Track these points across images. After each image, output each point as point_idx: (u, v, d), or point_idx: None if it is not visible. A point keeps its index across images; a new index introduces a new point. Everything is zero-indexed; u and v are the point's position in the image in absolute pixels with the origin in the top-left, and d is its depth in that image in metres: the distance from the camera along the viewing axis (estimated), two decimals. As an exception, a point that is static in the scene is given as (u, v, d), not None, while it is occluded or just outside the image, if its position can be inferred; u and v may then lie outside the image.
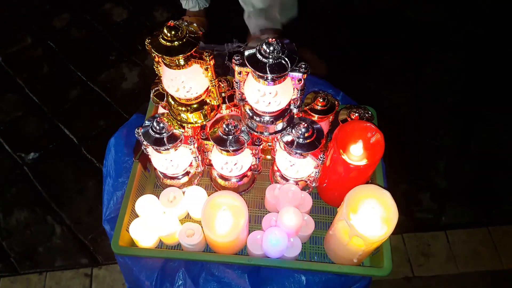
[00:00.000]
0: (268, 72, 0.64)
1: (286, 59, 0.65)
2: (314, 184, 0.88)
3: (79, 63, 1.73)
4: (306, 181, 0.89)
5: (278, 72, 0.64)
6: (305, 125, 0.77)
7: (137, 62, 1.71)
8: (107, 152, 0.99)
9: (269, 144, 0.97)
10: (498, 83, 1.66)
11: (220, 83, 0.81)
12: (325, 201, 0.92)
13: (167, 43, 0.67)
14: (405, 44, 1.77)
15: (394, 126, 1.50)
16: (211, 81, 0.74)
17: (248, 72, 0.70)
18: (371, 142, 0.77)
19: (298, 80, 0.70)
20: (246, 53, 0.66)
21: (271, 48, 0.64)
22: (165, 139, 0.79)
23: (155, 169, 0.90)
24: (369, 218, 0.71)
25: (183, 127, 0.82)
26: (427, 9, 1.88)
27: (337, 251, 0.79)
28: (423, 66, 1.71)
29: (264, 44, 0.64)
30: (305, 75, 0.69)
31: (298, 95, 0.74)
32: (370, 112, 0.88)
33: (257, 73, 0.65)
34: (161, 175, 0.91)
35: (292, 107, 0.77)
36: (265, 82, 0.67)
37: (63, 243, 1.33)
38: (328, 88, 1.06)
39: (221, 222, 0.78)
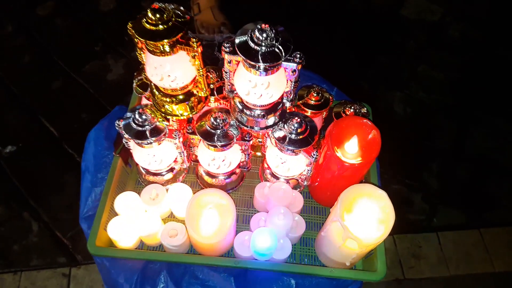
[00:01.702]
0: (260, 60, 0.59)
1: (280, 47, 0.60)
2: (305, 183, 0.84)
3: (62, 54, 1.66)
4: (298, 180, 0.85)
5: (271, 61, 0.60)
6: (298, 120, 0.73)
7: (123, 54, 1.65)
8: (86, 145, 0.93)
9: (259, 140, 0.93)
10: (494, 85, 1.64)
11: (208, 73, 0.76)
12: (316, 201, 0.88)
13: (151, 27, 0.62)
14: (400, 43, 1.74)
15: (387, 126, 1.46)
16: (198, 70, 0.69)
17: (239, 61, 0.65)
18: (367, 139, 0.73)
19: (292, 71, 0.65)
20: (237, 40, 0.61)
21: (264, 35, 0.59)
22: (147, 132, 0.74)
23: (137, 164, 0.84)
24: (364, 220, 0.67)
25: (168, 120, 0.76)
26: (423, 8, 1.85)
27: (329, 253, 0.75)
28: (417, 66, 1.68)
29: (256, 31, 0.59)
30: (300, 65, 0.64)
31: (292, 88, 0.70)
32: (365, 108, 0.83)
33: (249, 61, 0.60)
34: (143, 171, 0.86)
35: (284, 100, 0.73)
36: (257, 72, 0.62)
37: (40, 241, 1.26)
38: (322, 83, 1.02)
39: (207, 222, 0.73)
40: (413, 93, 1.61)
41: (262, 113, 0.72)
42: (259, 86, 0.65)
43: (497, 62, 1.71)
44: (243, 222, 0.85)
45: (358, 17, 1.82)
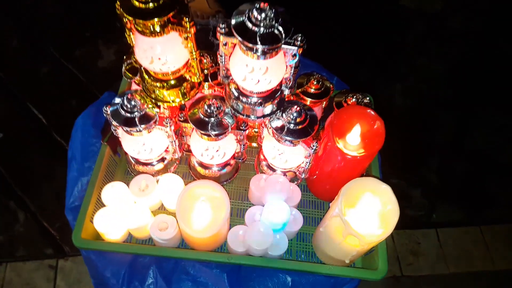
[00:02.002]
0: (259, 42, 0.55)
1: (280, 28, 0.55)
2: (303, 176, 0.80)
3: (51, 38, 1.60)
4: (295, 172, 0.81)
5: (270, 44, 0.55)
6: (298, 109, 0.69)
7: (115, 40, 1.59)
8: (73, 133, 0.88)
9: (255, 130, 0.88)
10: (494, 78, 1.60)
11: (202, 57, 0.71)
12: (315, 195, 0.84)
13: (141, 5, 0.57)
14: (400, 34, 1.70)
15: (386, 119, 1.42)
16: (191, 53, 0.64)
17: (235, 44, 0.61)
18: (370, 131, 0.69)
19: (293, 55, 0.61)
20: (233, 20, 0.57)
21: (263, 14, 0.54)
22: (136, 119, 0.69)
23: (126, 153, 0.80)
24: (367, 215, 0.63)
25: (158, 107, 0.72)
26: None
27: (328, 250, 0.71)
28: (417, 58, 1.64)
29: (254, 10, 0.55)
30: (301, 49, 0.59)
31: (291, 74, 0.65)
32: (368, 98, 0.79)
33: (246, 43, 0.56)
34: (132, 161, 0.81)
35: (283, 88, 0.68)
36: (255, 55, 0.58)
37: (26, 231, 1.22)
38: (321, 71, 0.97)
39: (199, 216, 0.69)
40: (412, 85, 1.57)
41: (259, 101, 0.67)
42: (257, 71, 0.60)
43: (497, 54, 1.67)
44: (237, 216, 0.81)
45: (357, 8, 1.77)
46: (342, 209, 0.61)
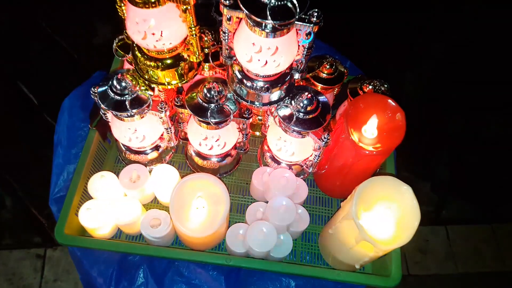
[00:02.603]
0: (269, 16, 0.46)
1: (294, 1, 0.47)
2: (311, 170, 0.72)
3: (44, 13, 1.50)
4: (302, 166, 0.73)
5: (282, 19, 0.47)
6: (309, 95, 0.61)
7: (111, 16, 1.49)
8: (59, 115, 0.81)
9: (259, 117, 0.81)
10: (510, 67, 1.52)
11: (202, 34, 0.63)
12: (322, 190, 0.77)
13: (132, -30, 0.48)
14: (414, 19, 1.60)
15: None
16: (190, 29, 0.56)
17: (241, 19, 0.53)
18: (389, 123, 0.62)
19: (307, 34, 0.53)
20: (240, -10, 0.48)
21: (275, -16, 0.46)
22: (127, 103, 0.62)
23: (116, 140, 0.72)
24: (384, 220, 0.56)
25: (152, 89, 0.64)
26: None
27: (336, 253, 0.65)
28: (430, 43, 1.55)
29: (265, -21, 0.46)
30: (317, 27, 0.51)
31: (304, 56, 0.57)
32: (386, 85, 0.71)
33: (253, 18, 0.48)
34: (124, 148, 0.74)
35: (293, 71, 0.60)
36: (263, 32, 0.50)
37: (13, 217, 1.15)
38: (334, 54, 0.89)
39: (195, 213, 0.62)
40: (425, 73, 1.48)
41: (265, 86, 0.59)
42: (265, 51, 0.52)
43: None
44: (237, 212, 0.74)
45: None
46: (356, 211, 0.54)
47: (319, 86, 0.72)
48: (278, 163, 0.73)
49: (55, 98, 1.34)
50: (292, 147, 0.68)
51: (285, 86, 0.61)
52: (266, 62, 0.54)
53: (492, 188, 1.28)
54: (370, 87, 0.70)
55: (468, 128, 1.38)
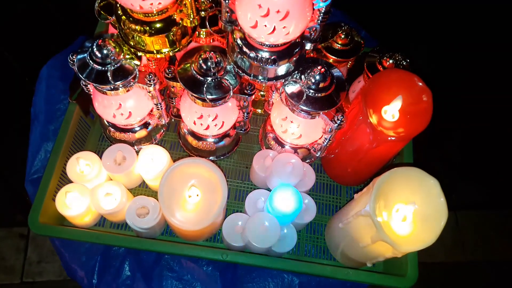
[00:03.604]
0: (280, -31, 0.37)
1: (313, -50, 0.38)
2: (319, 154, 0.64)
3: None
4: (309, 149, 0.65)
5: (297, -27, 0.38)
6: (322, 70, 0.52)
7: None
8: (37, 85, 0.72)
9: (262, 93, 0.72)
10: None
11: (198, -6, 0.53)
12: (331, 177, 0.70)
13: None
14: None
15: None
16: (183, -15, 0.46)
17: (244, -26, 0.43)
18: (413, 105, 0.53)
19: (325, -5, 0.43)
20: None
21: None
22: (109, 73, 0.53)
23: (100, 115, 0.64)
24: (406, 218, 0.48)
25: (139, 58, 0.55)
26: None
27: (347, 250, 0.58)
28: (445, 14, 1.43)
29: None
30: (338, -15, 0.42)
31: (319, 22, 0.48)
32: (408, 60, 0.62)
33: (261, -29, 0.38)
34: (108, 125, 0.65)
35: (305, 41, 0.51)
36: (272, -10, 0.40)
37: (-6, 194, 1.08)
38: (347, 22, 0.79)
39: (188, 204, 0.54)
40: (438, 49, 1.37)
41: (272, 57, 0.50)
42: (273, 14, 0.43)
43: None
44: (235, 199, 0.66)
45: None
46: (375, 208, 0.47)
47: (331, 59, 0.63)
48: (282, 145, 0.65)
49: (40, 66, 1.25)
50: (300, 129, 0.59)
51: (294, 58, 0.52)
52: (274, 29, 0.45)
53: (506, 173, 1.21)
54: (391, 61, 0.61)
55: (483, 108, 1.29)
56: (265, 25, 0.44)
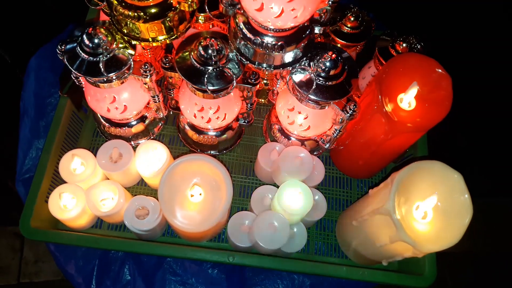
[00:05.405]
0: None
1: None
2: (328, 146, 0.60)
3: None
4: (317, 141, 0.61)
5: None
6: (334, 56, 0.48)
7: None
8: (25, 78, 0.68)
9: (266, 81, 0.68)
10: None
11: (196, -25, 0.49)
12: (340, 170, 0.66)
13: None
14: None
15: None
16: (180, -35, 0.42)
17: (248, -50, 0.38)
18: (432, 92, 0.49)
19: (338, -28, 0.39)
20: None
21: None
22: (101, 64, 0.48)
23: (93, 109, 0.59)
24: (428, 215, 0.45)
25: (133, 47, 0.50)
26: None
27: (361, 249, 0.54)
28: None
29: None
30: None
31: (330, 3, 0.44)
32: (423, 43, 0.58)
33: None
34: (103, 120, 0.61)
35: (314, 24, 0.47)
36: (280, -33, 0.36)
37: (-12, 191, 1.04)
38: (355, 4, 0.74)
39: (190, 204, 0.50)
40: (446, 32, 1.32)
41: (279, 43, 0.46)
42: (281, -5, 0.39)
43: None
44: (239, 195, 0.63)
45: None
46: (394, 206, 0.43)
47: (339, 43, 0.59)
48: (288, 137, 0.61)
49: (31, 55, 1.20)
50: (308, 120, 0.55)
51: (303, 44, 0.48)
52: (282, 11, 0.40)
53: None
54: (405, 45, 0.56)
55: (491, 92, 1.25)
56: (271, 7, 0.40)
